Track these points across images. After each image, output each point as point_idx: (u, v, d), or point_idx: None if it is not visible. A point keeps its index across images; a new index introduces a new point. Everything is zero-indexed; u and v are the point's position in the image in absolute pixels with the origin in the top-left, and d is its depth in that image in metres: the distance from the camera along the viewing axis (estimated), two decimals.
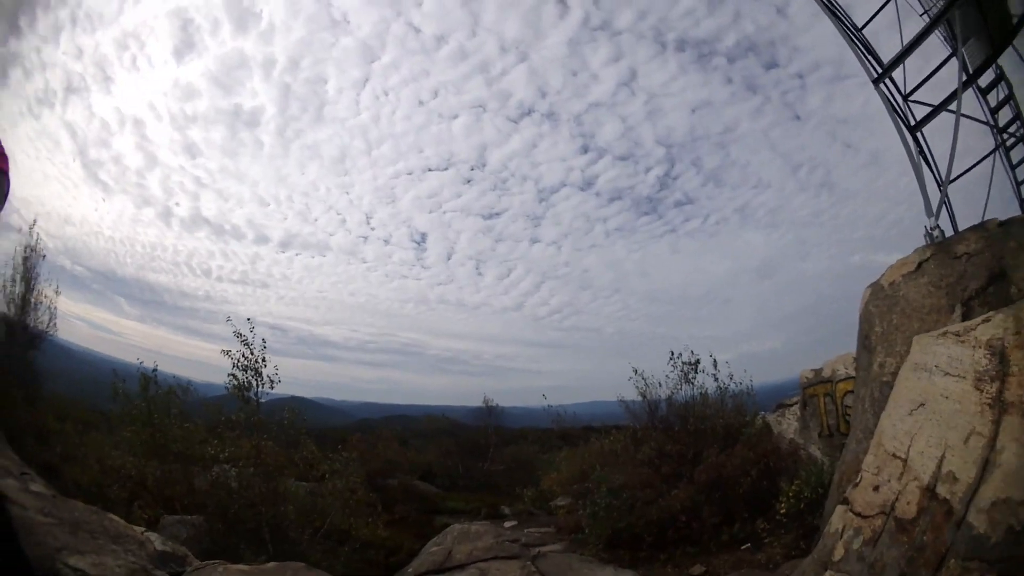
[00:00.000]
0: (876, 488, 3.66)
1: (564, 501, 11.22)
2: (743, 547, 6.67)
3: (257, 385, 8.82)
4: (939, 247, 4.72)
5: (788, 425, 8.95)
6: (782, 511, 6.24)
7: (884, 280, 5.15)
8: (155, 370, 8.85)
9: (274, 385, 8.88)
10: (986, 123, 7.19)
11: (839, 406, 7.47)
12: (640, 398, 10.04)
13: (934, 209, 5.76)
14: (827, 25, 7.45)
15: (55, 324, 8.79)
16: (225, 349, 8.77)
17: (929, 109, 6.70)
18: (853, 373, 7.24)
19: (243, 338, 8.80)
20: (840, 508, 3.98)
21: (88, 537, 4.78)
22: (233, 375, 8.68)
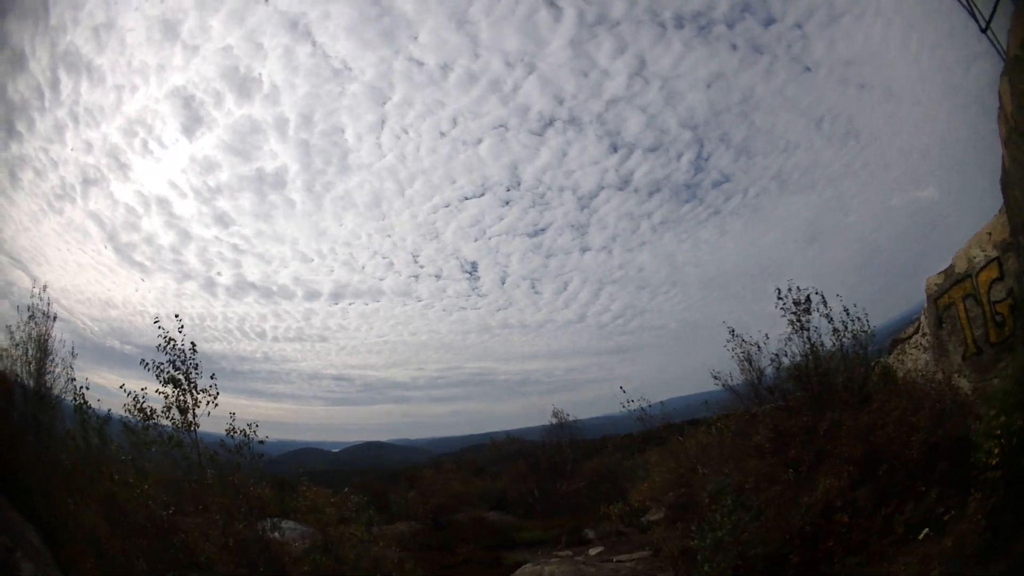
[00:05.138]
0: None
1: (658, 514, 9.68)
2: (922, 535, 4.85)
3: (192, 403, 6.73)
4: None
5: (915, 361, 7.24)
6: (995, 459, 4.33)
7: None
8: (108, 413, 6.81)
9: (216, 403, 6.87)
10: None
11: (987, 306, 5.69)
12: (744, 364, 8.27)
13: None
14: None
15: (81, 391, 6.77)
16: (143, 361, 6.72)
17: None
18: (994, 254, 5.55)
19: (171, 343, 6.74)
20: None
21: None
22: (163, 393, 6.61)
